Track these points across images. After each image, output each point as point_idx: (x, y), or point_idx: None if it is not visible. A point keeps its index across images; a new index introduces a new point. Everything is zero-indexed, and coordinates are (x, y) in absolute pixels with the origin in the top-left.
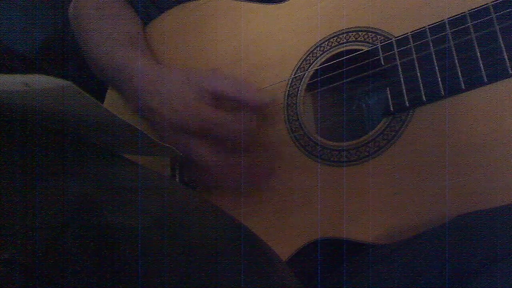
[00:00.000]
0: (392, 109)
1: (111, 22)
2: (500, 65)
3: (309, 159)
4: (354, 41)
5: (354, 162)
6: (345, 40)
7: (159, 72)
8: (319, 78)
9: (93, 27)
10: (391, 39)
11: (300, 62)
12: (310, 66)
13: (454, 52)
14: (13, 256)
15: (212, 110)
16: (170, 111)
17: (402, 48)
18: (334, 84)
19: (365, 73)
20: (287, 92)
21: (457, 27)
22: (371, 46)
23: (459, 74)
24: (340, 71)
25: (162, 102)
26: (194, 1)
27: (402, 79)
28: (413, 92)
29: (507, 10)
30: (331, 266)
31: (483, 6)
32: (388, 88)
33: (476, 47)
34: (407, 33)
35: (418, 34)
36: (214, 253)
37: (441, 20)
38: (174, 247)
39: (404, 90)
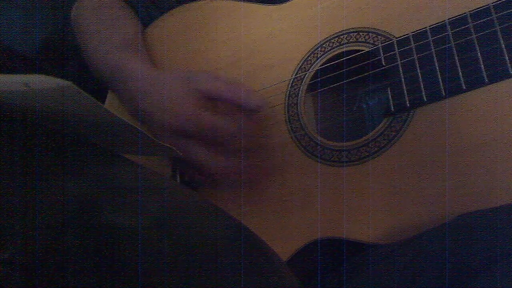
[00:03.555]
0: (392, 109)
1: (109, 24)
2: (500, 66)
3: (310, 159)
4: (355, 42)
5: (355, 162)
6: (346, 41)
7: (153, 74)
8: (319, 79)
9: (92, 29)
10: (392, 39)
11: (301, 62)
12: (311, 66)
13: (455, 53)
14: (13, 256)
15: (207, 113)
16: (166, 113)
17: (403, 49)
18: (335, 85)
19: (366, 74)
20: (288, 92)
21: (457, 28)
22: (372, 47)
23: (460, 74)
24: (341, 71)
25: (156, 104)
26: (195, 2)
27: (403, 79)
28: (414, 93)
29: (508, 11)
30: (331, 266)
31: (483, 7)
32: (389, 89)
33: (477, 47)
34: (408, 33)
35: (419, 35)
36: (214, 253)
37: (441, 21)
38: (174, 247)
39: (405, 91)
